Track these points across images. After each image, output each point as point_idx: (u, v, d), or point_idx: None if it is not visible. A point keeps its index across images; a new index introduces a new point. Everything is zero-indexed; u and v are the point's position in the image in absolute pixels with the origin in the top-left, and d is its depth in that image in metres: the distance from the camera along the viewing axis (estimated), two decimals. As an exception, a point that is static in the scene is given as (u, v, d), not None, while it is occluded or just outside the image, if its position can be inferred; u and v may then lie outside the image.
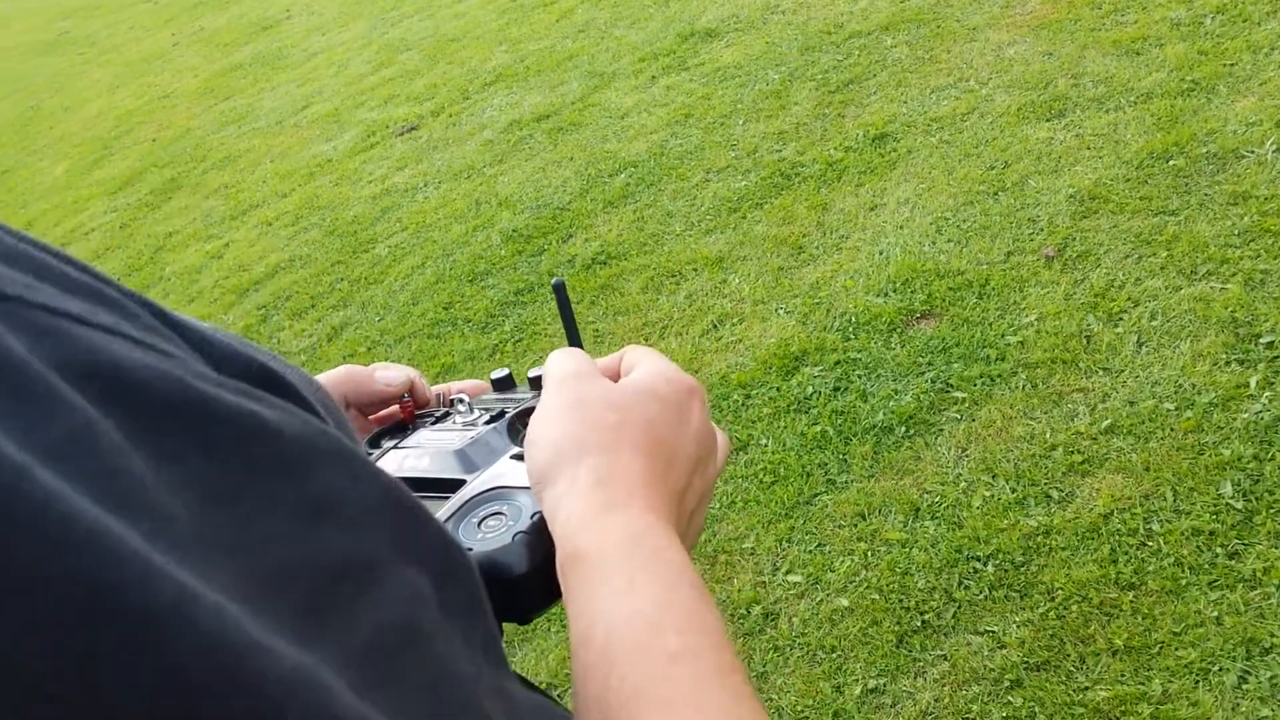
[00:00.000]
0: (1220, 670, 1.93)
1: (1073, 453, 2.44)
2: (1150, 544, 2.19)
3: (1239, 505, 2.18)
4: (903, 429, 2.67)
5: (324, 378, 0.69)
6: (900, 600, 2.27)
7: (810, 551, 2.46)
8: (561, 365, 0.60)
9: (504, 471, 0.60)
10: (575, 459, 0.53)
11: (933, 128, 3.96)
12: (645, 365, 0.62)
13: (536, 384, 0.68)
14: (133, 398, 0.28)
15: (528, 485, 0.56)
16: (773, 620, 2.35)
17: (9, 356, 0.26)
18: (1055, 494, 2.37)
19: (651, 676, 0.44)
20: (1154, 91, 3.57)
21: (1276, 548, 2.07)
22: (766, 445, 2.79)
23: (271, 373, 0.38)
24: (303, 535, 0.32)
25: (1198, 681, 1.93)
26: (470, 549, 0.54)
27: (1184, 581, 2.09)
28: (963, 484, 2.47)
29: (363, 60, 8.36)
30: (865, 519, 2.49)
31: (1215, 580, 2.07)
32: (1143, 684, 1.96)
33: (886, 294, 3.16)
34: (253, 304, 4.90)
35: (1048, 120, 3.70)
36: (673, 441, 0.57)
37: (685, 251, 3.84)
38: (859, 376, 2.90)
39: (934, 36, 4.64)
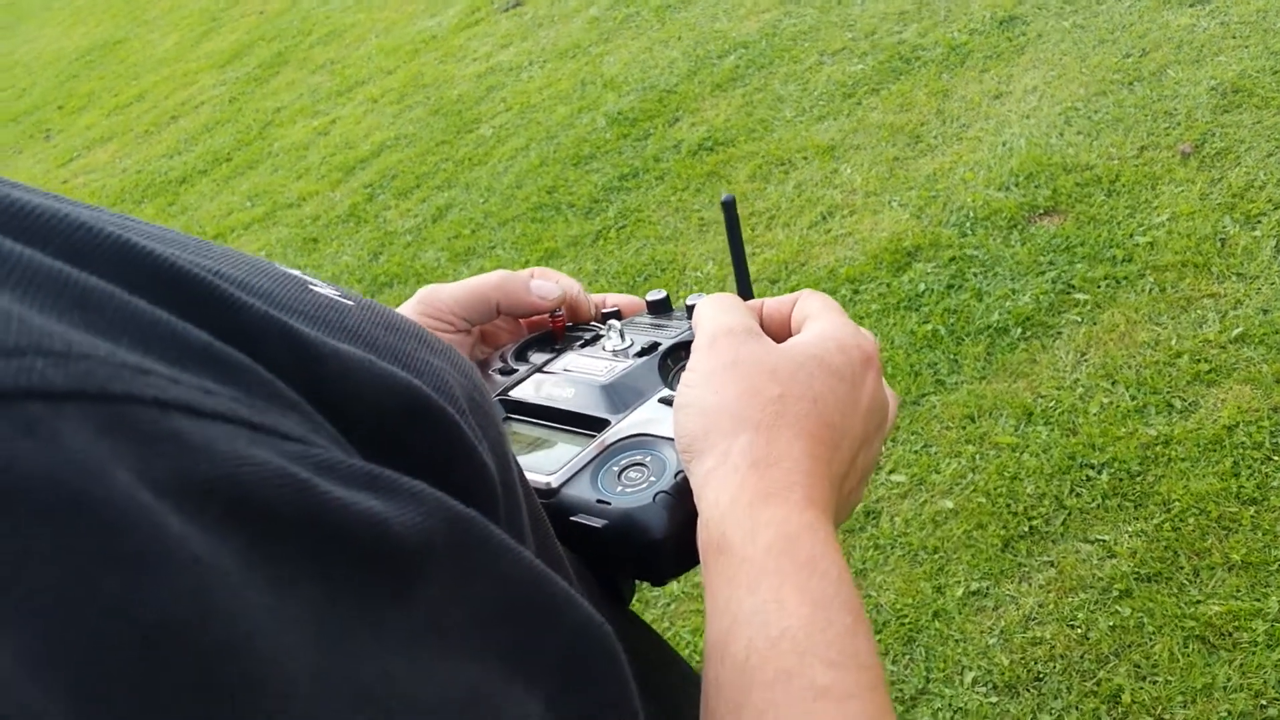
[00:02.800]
0: (1345, 592, 1.87)
1: (1199, 361, 2.34)
2: (1276, 459, 2.10)
3: (1378, 423, 2.08)
4: (1019, 330, 2.59)
5: (478, 282, 0.66)
6: (1008, 505, 2.23)
7: (916, 452, 2.43)
8: (716, 316, 0.54)
9: (651, 417, 0.56)
10: (730, 433, 0.48)
11: (1065, 10, 3.74)
12: (818, 324, 0.55)
13: (692, 312, 0.64)
14: (253, 520, 0.25)
15: (673, 437, 0.52)
16: (874, 518, 2.34)
17: (115, 501, 0.22)
18: (1178, 403, 2.29)
19: (793, 713, 0.40)
20: (1314, -27, 3.30)
21: None
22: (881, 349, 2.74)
23: (419, 401, 0.34)
24: (402, 672, 0.28)
25: (1319, 602, 1.87)
26: (608, 502, 0.52)
27: (1311, 499, 2.01)
28: (1080, 389, 2.40)
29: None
30: (975, 421, 2.44)
31: (1346, 500, 1.99)
32: (1259, 600, 1.91)
33: (1008, 188, 3.04)
34: (359, 182, 4.94)
35: (1191, 5, 3.46)
36: (841, 422, 0.51)
37: (795, 139, 3.73)
38: (975, 274, 2.81)
39: (1070, -90, 4.35)
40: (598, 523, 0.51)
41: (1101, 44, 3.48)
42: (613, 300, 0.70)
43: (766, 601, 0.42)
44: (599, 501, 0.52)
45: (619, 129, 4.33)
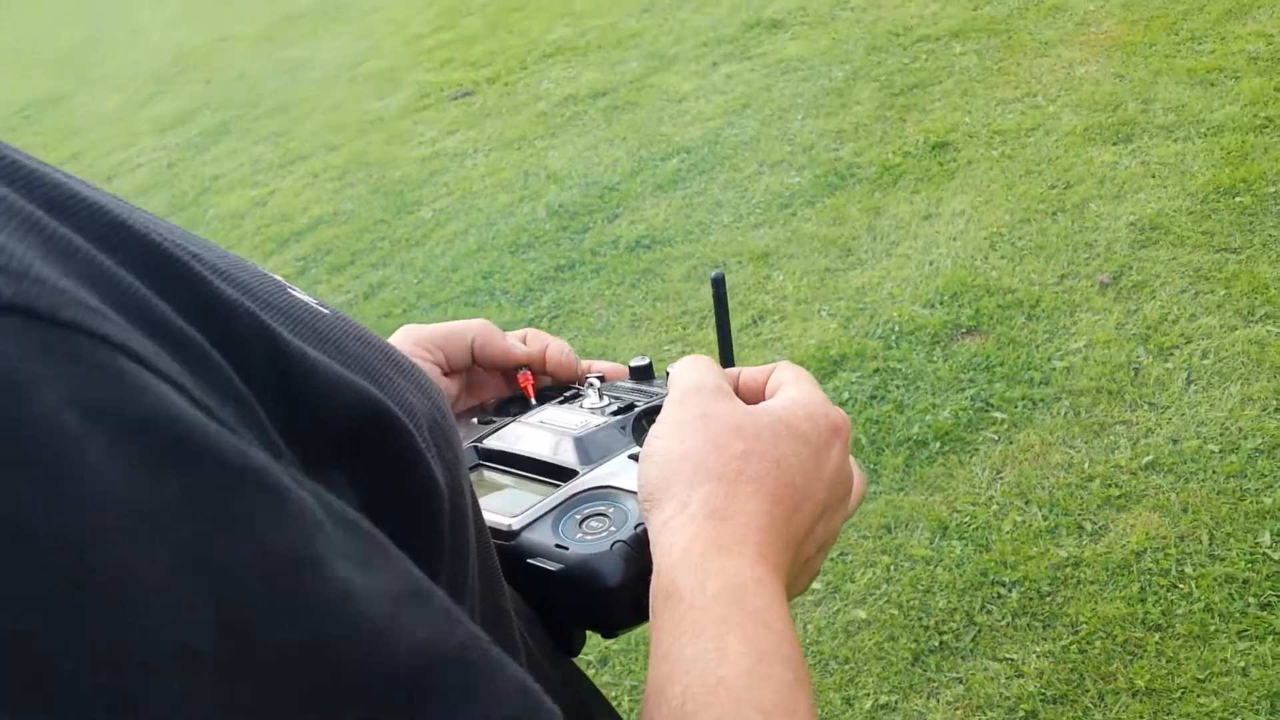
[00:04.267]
0: (1243, 723, 1.88)
1: (1110, 485, 2.39)
2: (1181, 586, 2.14)
3: (1276, 556, 2.13)
4: (937, 444, 2.62)
5: (459, 322, 0.69)
6: (919, 618, 2.23)
7: (832, 559, 2.43)
8: (689, 375, 0.55)
9: (617, 471, 0.56)
10: (690, 483, 0.49)
11: (995, 140, 3.89)
12: (789, 392, 0.56)
13: None
14: (193, 464, 0.26)
15: (637, 485, 0.52)
16: (788, 624, 2.32)
17: (30, 416, 0.23)
18: (1088, 526, 2.32)
19: None
20: (1225, 125, 3.49)
21: (1313, 604, 2.02)
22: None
23: (378, 411, 0.35)
24: (411, 619, 0.30)
25: (1219, 732, 1.88)
26: (566, 548, 0.52)
27: (1212, 628, 2.04)
28: (994, 506, 2.43)
29: (423, 20, 8.35)
30: (891, 532, 2.45)
31: (1245, 630, 2.02)
32: (1161, 729, 1.91)
33: (933, 305, 3.11)
34: (292, 254, 4.90)
35: (1114, 144, 3.62)
36: (803, 486, 0.51)
37: (731, 243, 3.80)
38: (897, 387, 2.85)
39: (1004, 48, 4.56)
40: (553, 566, 0.51)
41: (1028, 174, 3.62)
42: (599, 367, 0.71)
43: (708, 649, 0.42)
44: (557, 546, 0.52)
45: (559, 221, 4.37)
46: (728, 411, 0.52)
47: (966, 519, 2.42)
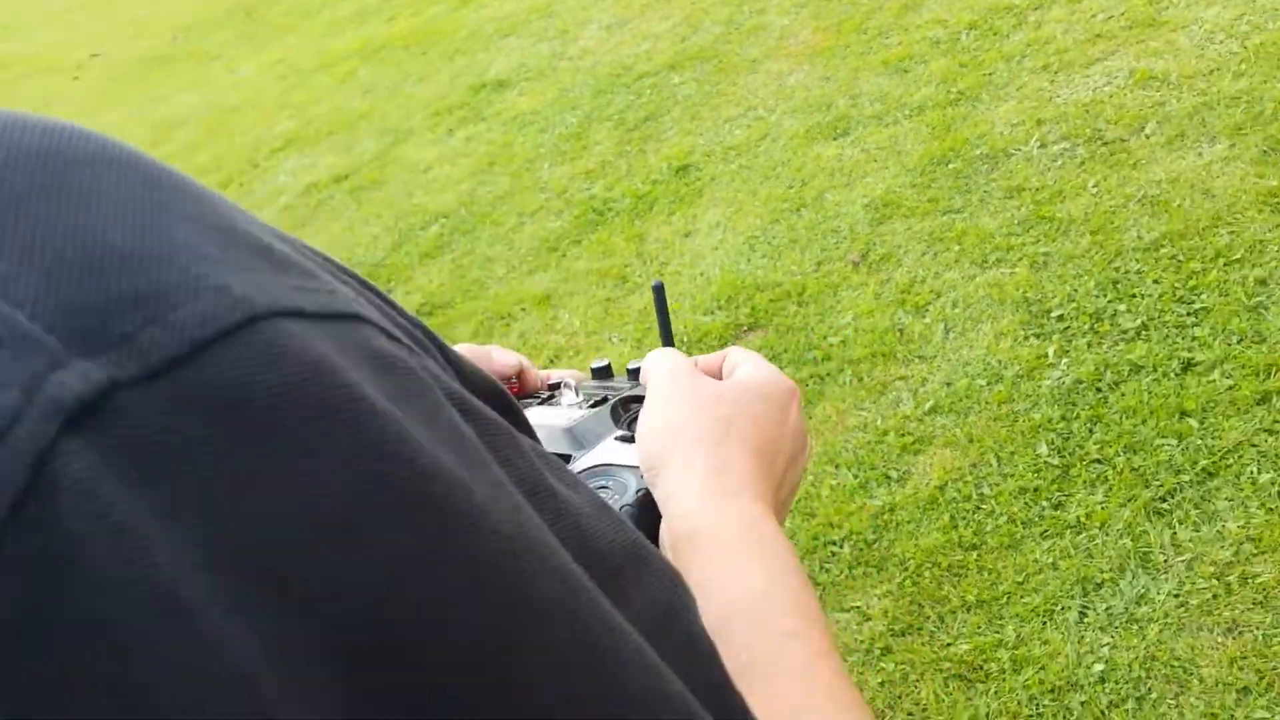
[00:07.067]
0: (1063, 610, 2.12)
1: (904, 435, 2.62)
2: (984, 507, 2.38)
3: (1055, 461, 2.40)
4: (747, 433, 2.79)
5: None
6: (769, 592, 2.37)
7: (676, 560, 2.54)
8: (665, 362, 0.64)
9: (610, 450, 0.65)
10: (690, 447, 0.58)
11: (730, 155, 4.17)
12: (748, 366, 0.66)
13: (635, 375, 0.73)
14: (468, 411, 0.34)
15: (632, 464, 0.61)
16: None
17: (354, 396, 0.29)
18: (894, 474, 2.54)
19: (769, 649, 0.49)
20: (925, 104, 3.89)
21: (1093, 494, 2.29)
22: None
23: (502, 395, 0.42)
24: (603, 521, 0.38)
25: (1044, 623, 2.11)
26: None
27: (1019, 535, 2.28)
28: (810, 477, 2.61)
29: (134, 140, 8.03)
30: (724, 522, 2.59)
31: (1045, 530, 2.27)
32: (997, 632, 2.12)
33: (713, 311, 3.30)
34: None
35: (834, 139, 3.96)
36: (776, 438, 0.62)
37: (511, 294, 3.89)
38: (698, 390, 3.01)
39: (718, 71, 4.89)
40: None
41: (766, 180, 3.90)
42: (557, 374, 0.78)
43: (738, 568, 0.52)
44: None
45: (331, 307, 4.33)
46: (706, 385, 0.62)
47: (788, 494, 2.59)
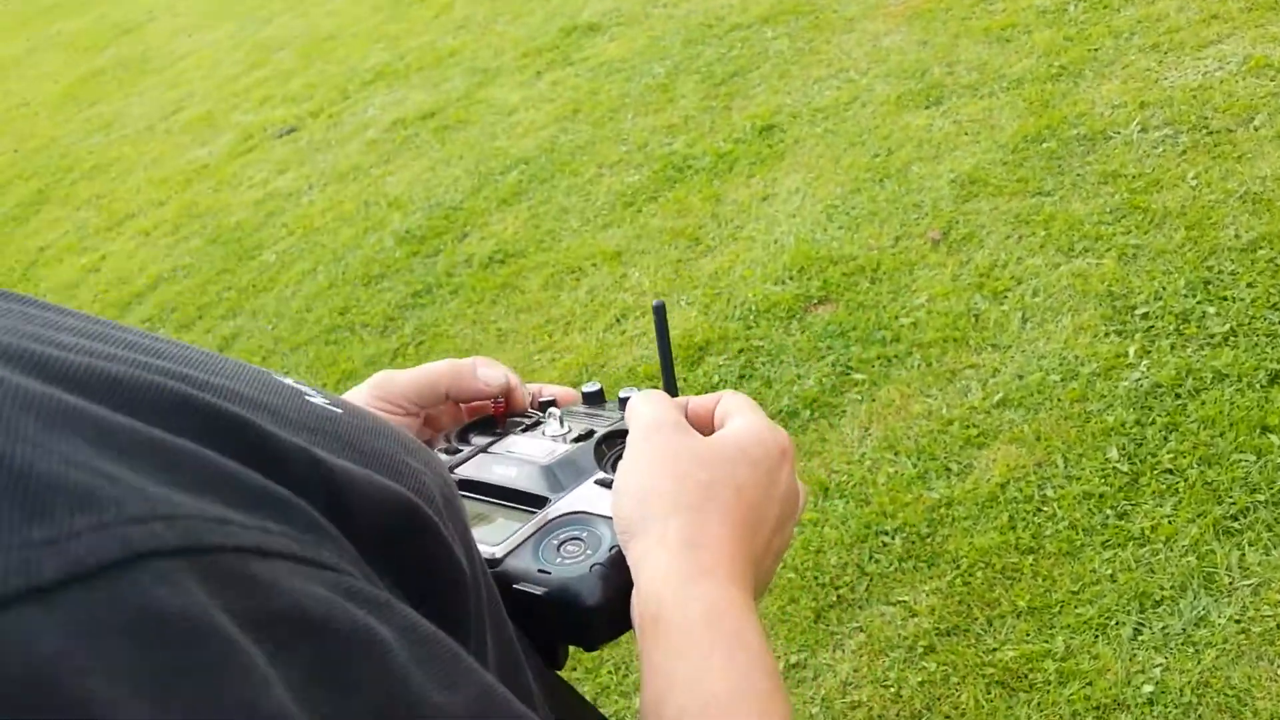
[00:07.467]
0: (1117, 624, 2.05)
1: (968, 427, 2.55)
2: (1045, 509, 2.31)
3: (1125, 468, 2.31)
4: (808, 412, 2.75)
5: (429, 368, 0.70)
6: (815, 577, 2.35)
7: (725, 536, 2.52)
8: (648, 412, 0.60)
9: (587, 496, 0.61)
10: (664, 515, 0.54)
11: (817, 118, 4.06)
12: (738, 420, 0.62)
13: (626, 405, 0.70)
14: (307, 640, 0.32)
15: (608, 515, 0.58)
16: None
17: (218, 632, 0.29)
18: (954, 467, 2.48)
19: None
20: (1025, 77, 3.74)
21: (1161, 506, 2.21)
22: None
23: (411, 511, 0.40)
24: None
25: (1096, 636, 2.05)
26: (548, 572, 0.56)
27: (1079, 543, 2.21)
28: (868, 462, 2.56)
29: (234, 61, 8.15)
30: (777, 501, 2.56)
31: (1107, 540, 2.20)
32: (1046, 642, 2.07)
33: (784, 282, 3.24)
34: (136, 318, 4.74)
35: (926, 108, 3.83)
36: (760, 507, 0.58)
37: (583, 247, 3.86)
38: (762, 364, 2.97)
39: (813, 28, 4.76)
40: (538, 590, 0.56)
41: (852, 146, 3.80)
42: (549, 391, 0.75)
43: (697, 667, 0.48)
44: (540, 571, 0.57)
45: (408, 247, 4.36)
46: (690, 445, 0.58)
47: (844, 478, 2.54)
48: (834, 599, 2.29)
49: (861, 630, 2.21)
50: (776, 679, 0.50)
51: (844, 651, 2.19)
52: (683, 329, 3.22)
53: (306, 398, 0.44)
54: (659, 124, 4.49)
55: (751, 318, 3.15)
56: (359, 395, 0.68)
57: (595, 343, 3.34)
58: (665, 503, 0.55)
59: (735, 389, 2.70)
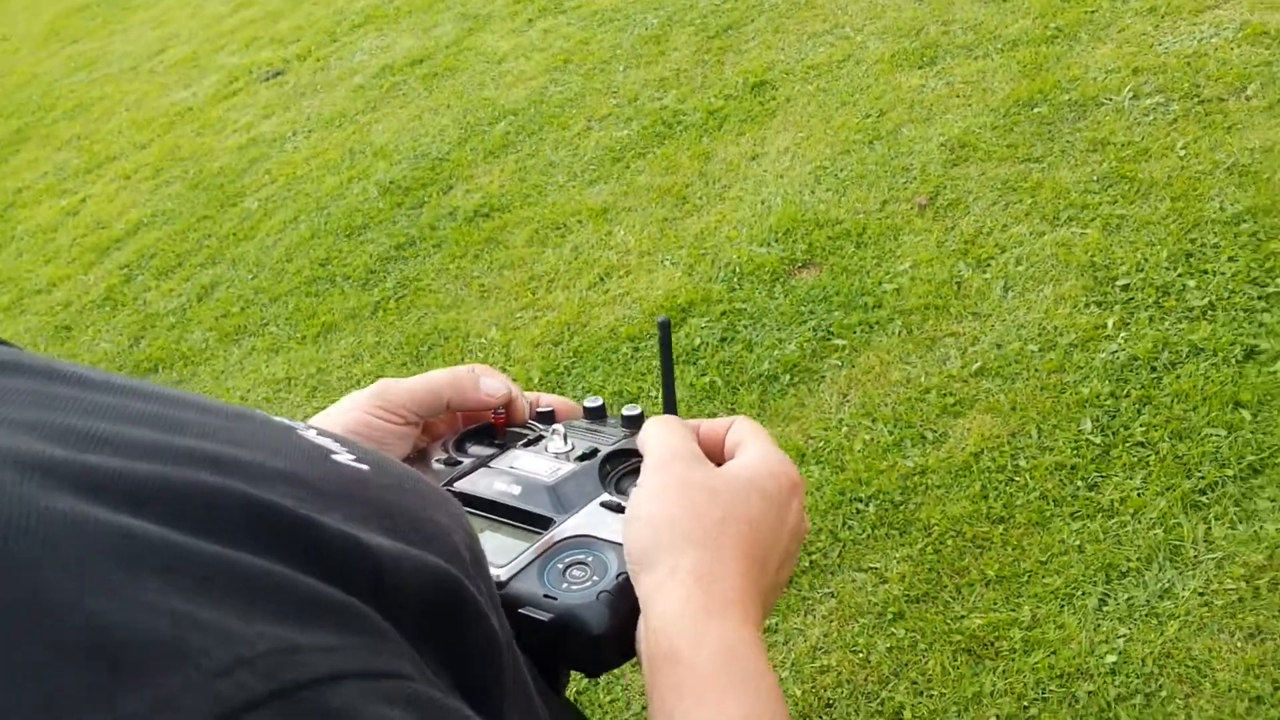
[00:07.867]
0: (1083, 595, 2.07)
1: (945, 395, 2.56)
2: (1017, 479, 2.32)
3: (1097, 440, 2.33)
4: (787, 377, 2.75)
5: (431, 378, 0.69)
6: (789, 542, 2.36)
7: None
8: (664, 439, 0.60)
9: (593, 520, 0.61)
10: (676, 549, 0.54)
11: (810, 75, 4.02)
12: (751, 452, 0.62)
13: (630, 423, 0.69)
14: None
15: (615, 540, 0.57)
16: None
17: None
18: (930, 435, 2.49)
19: None
20: (1020, 39, 3.70)
21: (1131, 478, 2.23)
22: (656, 398, 2.84)
23: (448, 586, 0.40)
24: None
25: (1063, 606, 2.07)
26: (554, 598, 0.56)
27: (1048, 513, 2.23)
28: (845, 429, 2.57)
29: (220, 0, 8.01)
30: (753, 465, 2.57)
31: (1077, 511, 2.22)
32: (1013, 610, 2.09)
33: (769, 244, 3.23)
34: (114, 263, 4.71)
35: (919, 68, 3.80)
36: (771, 541, 0.58)
37: (569, 203, 3.84)
38: (745, 326, 2.97)
39: (807, -18, 4.69)
40: (544, 616, 0.55)
41: (843, 106, 3.76)
42: (546, 400, 0.74)
43: (710, 713, 0.48)
44: (545, 596, 0.56)
45: (392, 198, 4.32)
46: (704, 477, 0.58)
47: (821, 444, 2.56)
48: (807, 564, 2.31)
49: (833, 595, 2.23)
50: (787, 718, 0.51)
51: (815, 616, 2.21)
52: (666, 289, 3.22)
53: (333, 458, 0.43)
54: (650, 77, 4.44)
55: (735, 280, 3.15)
56: (359, 404, 0.67)
57: (578, 301, 3.33)
58: (679, 537, 0.55)
59: (718, 351, 2.70)
